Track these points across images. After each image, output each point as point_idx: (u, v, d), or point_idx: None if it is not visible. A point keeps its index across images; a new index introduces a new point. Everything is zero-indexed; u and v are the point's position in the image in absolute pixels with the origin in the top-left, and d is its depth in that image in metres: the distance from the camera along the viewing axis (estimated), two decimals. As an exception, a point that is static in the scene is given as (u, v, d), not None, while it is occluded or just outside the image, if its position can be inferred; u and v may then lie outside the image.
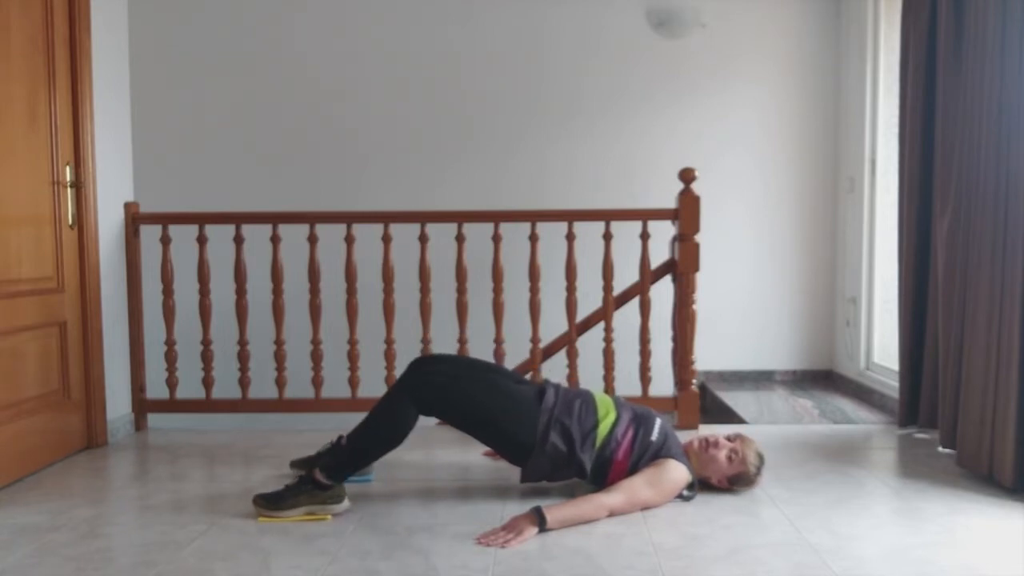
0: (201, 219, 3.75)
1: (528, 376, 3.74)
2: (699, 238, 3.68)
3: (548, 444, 2.62)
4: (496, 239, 3.72)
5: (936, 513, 2.59)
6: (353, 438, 2.65)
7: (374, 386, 3.80)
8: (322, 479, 2.59)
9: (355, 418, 3.91)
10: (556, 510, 2.45)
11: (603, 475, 2.66)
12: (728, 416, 4.16)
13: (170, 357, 3.78)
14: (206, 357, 3.81)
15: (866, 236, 4.44)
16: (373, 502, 2.72)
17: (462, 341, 3.75)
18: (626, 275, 3.88)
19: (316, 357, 3.77)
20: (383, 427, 2.63)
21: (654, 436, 2.67)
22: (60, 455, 3.27)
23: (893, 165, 3.92)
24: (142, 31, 4.24)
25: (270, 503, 2.57)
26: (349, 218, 3.74)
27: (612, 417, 2.70)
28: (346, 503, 2.63)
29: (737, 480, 2.75)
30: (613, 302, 3.79)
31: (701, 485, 2.77)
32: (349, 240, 3.74)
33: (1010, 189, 2.77)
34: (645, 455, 2.65)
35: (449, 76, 4.86)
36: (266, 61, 4.86)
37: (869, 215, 4.42)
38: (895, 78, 3.87)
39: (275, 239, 3.74)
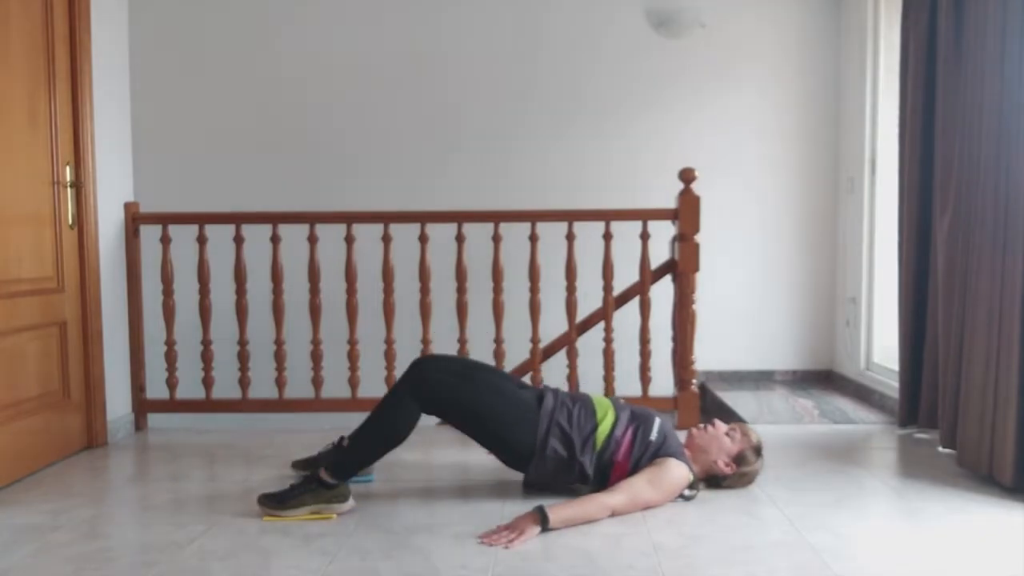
0: (201, 219, 3.75)
1: (527, 377, 3.75)
2: (699, 238, 3.68)
3: (548, 449, 2.64)
4: (496, 239, 3.72)
5: (936, 513, 2.59)
6: (355, 437, 2.66)
7: (374, 386, 3.80)
8: (327, 478, 2.60)
9: (355, 418, 3.91)
10: (559, 509, 2.45)
11: (605, 477, 2.67)
12: (728, 416, 4.16)
13: (170, 357, 3.78)
14: (206, 357, 3.82)
15: (866, 236, 4.44)
16: (373, 502, 2.71)
17: (462, 341, 3.75)
18: (626, 275, 3.88)
19: (316, 357, 3.77)
20: (386, 426, 2.64)
21: (653, 436, 2.68)
22: (60, 455, 3.27)
23: (893, 165, 3.91)
24: (142, 31, 4.25)
25: (275, 502, 2.57)
26: (349, 218, 3.74)
27: (611, 419, 2.70)
28: (351, 502, 2.63)
29: (742, 460, 2.76)
30: (613, 302, 3.79)
31: (707, 482, 2.77)
32: (349, 240, 3.74)
33: (1010, 189, 2.76)
34: (645, 455, 2.66)
35: (449, 76, 4.86)
36: (266, 60, 4.85)
37: (869, 215, 4.42)
38: (895, 78, 3.87)
39: (275, 239, 3.74)
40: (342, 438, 2.94)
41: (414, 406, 2.62)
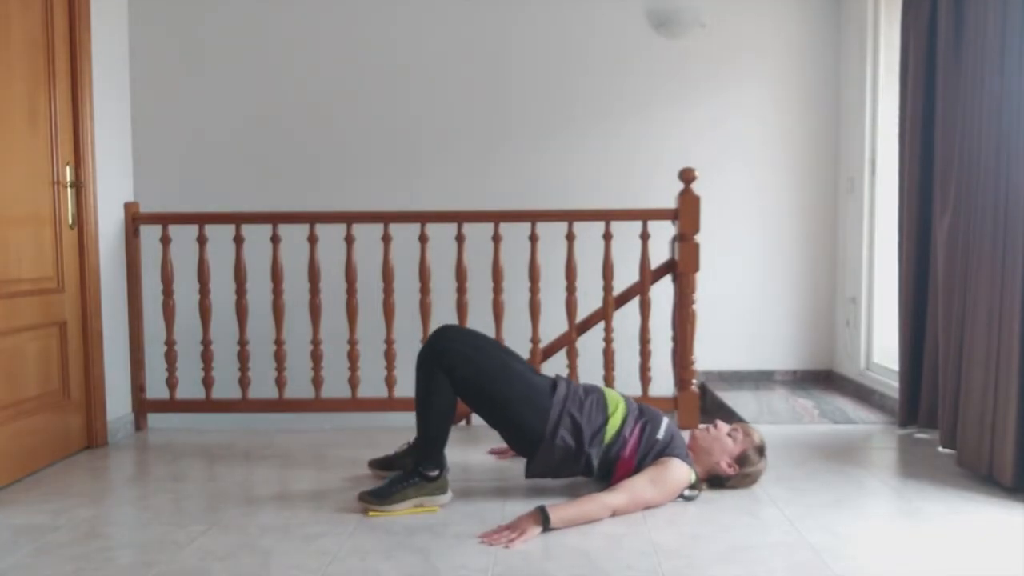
0: (201, 219, 3.75)
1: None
2: (699, 238, 3.68)
3: (558, 437, 2.63)
4: (496, 239, 3.72)
5: (936, 513, 2.59)
6: (421, 425, 2.67)
7: (374, 386, 3.81)
8: (428, 471, 2.62)
9: (355, 418, 3.92)
10: (560, 509, 2.45)
11: (609, 472, 2.67)
12: (728, 417, 4.16)
13: (170, 357, 3.78)
14: (206, 357, 3.81)
15: (866, 236, 4.44)
16: (373, 502, 2.71)
17: (462, 341, 3.75)
18: (626, 275, 3.88)
19: (316, 357, 3.77)
20: (437, 402, 2.64)
21: (660, 434, 2.68)
22: (60, 455, 3.27)
23: (893, 165, 3.92)
24: (142, 31, 4.25)
25: (378, 498, 2.59)
26: (349, 218, 3.74)
27: (621, 414, 2.71)
28: (450, 494, 2.66)
29: (744, 460, 2.76)
30: (613, 302, 3.79)
31: (710, 483, 2.78)
32: (349, 240, 3.74)
33: (1010, 189, 2.76)
34: (651, 453, 2.66)
35: (449, 77, 4.86)
36: (266, 60, 4.85)
37: (869, 215, 4.42)
38: (895, 77, 3.87)
39: (275, 239, 3.74)
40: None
41: (443, 376, 2.63)
